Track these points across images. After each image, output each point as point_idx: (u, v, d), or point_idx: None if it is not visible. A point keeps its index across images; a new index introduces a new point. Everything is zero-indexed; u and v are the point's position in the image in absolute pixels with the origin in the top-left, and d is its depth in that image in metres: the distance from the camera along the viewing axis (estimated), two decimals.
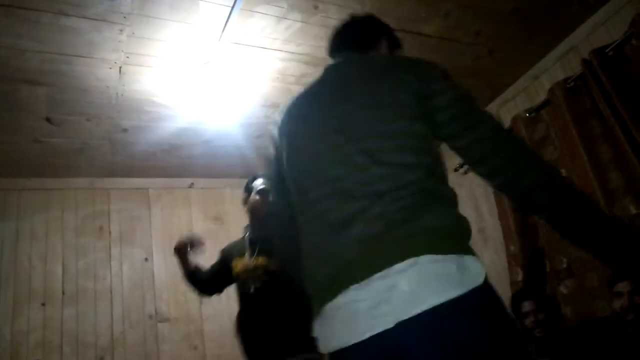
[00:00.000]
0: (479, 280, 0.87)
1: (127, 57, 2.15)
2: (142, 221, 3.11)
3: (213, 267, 2.34)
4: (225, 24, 2.07)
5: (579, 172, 2.44)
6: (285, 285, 2.06)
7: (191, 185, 3.32)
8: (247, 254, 2.17)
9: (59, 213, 2.90)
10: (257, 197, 2.23)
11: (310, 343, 2.01)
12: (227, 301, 3.04)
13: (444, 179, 1.04)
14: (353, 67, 1.20)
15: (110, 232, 2.98)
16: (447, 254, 0.88)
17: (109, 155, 2.86)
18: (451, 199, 1.00)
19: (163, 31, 2.05)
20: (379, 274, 0.88)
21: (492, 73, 2.85)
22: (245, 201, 2.31)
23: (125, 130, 2.66)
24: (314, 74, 2.49)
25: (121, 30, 2.00)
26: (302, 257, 1.06)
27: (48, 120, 2.45)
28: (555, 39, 2.67)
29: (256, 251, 2.15)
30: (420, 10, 2.23)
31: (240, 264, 2.17)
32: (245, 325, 2.12)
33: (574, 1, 2.40)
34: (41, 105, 2.34)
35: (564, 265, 2.55)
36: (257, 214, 2.22)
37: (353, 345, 0.89)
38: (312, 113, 1.15)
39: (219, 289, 2.35)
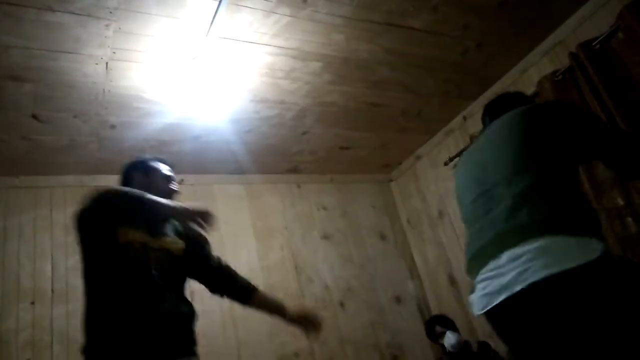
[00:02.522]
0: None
1: (114, 52, 2.13)
2: None
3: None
4: (213, 19, 2.05)
5: None
6: (182, 277, 1.83)
7: (181, 182, 3.28)
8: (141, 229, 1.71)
9: (48, 211, 2.87)
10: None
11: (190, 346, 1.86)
12: (218, 298, 3.03)
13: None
14: None
15: None
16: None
17: (97, 152, 2.84)
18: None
19: (150, 26, 2.04)
20: None
21: (481, 67, 2.86)
22: (147, 182, 1.84)
23: (113, 126, 2.64)
24: (303, 68, 2.52)
25: (107, 26, 1.98)
26: None
27: (34, 117, 2.42)
28: (543, 32, 2.69)
29: (159, 230, 1.79)
30: (408, 4, 2.23)
31: (135, 235, 1.69)
32: (141, 314, 1.62)
33: None
34: (27, 102, 2.31)
35: None
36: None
37: None
38: None
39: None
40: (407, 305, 3.61)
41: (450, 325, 3.08)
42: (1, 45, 1.96)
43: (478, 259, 1.35)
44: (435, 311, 3.57)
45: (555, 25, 2.64)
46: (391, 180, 4.11)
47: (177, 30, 2.09)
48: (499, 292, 1.24)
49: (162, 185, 1.88)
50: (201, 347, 2.90)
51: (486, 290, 1.29)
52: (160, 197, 1.72)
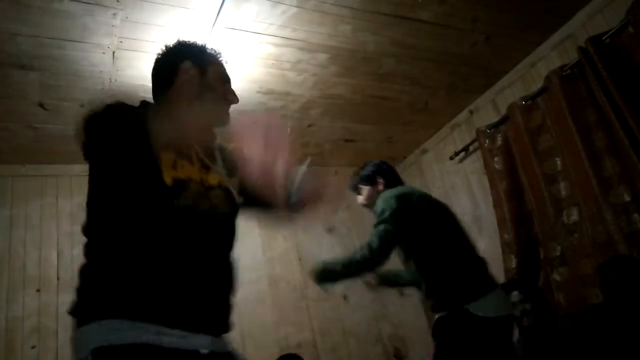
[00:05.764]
0: None
1: (121, 41, 2.13)
2: None
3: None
4: (220, 9, 2.04)
5: (574, 160, 2.44)
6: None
7: None
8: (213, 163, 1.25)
9: (54, 199, 2.89)
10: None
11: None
12: None
13: None
14: None
15: None
16: None
17: None
18: None
19: (157, 16, 2.03)
20: None
21: (489, 60, 2.84)
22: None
23: None
24: (310, 60, 2.51)
25: (114, 15, 1.98)
26: None
27: (41, 105, 2.42)
28: (552, 26, 2.66)
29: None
30: None
31: (192, 170, 1.19)
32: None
33: None
34: (34, 90, 2.31)
35: (557, 253, 2.56)
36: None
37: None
38: None
39: None
40: (410, 299, 3.61)
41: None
42: (8, 33, 1.96)
43: None
44: None
45: (565, 19, 2.61)
46: None
47: (184, 20, 2.08)
48: None
49: (221, 94, 1.27)
50: None
51: None
52: (213, 112, 1.22)
